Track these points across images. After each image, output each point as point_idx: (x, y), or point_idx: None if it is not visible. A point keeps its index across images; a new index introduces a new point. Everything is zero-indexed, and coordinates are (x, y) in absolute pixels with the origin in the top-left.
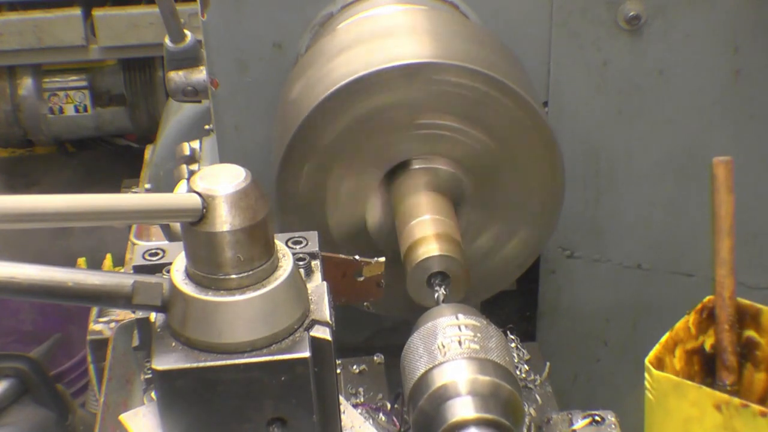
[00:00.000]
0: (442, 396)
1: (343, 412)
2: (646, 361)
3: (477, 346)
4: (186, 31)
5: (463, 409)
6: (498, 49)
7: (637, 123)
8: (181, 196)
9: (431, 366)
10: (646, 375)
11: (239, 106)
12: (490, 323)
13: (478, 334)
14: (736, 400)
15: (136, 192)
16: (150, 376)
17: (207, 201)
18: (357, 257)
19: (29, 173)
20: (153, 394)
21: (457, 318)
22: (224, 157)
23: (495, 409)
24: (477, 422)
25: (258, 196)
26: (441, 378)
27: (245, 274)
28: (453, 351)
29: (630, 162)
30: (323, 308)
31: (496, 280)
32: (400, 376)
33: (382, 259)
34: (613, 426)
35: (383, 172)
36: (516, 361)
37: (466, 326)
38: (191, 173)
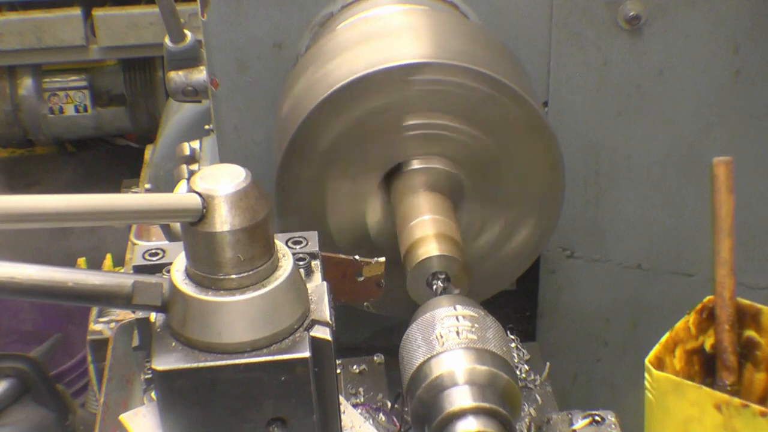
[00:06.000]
0: (440, 385)
1: (343, 412)
2: (646, 361)
3: (474, 336)
4: (186, 31)
5: (460, 398)
6: (498, 49)
7: (637, 123)
8: (181, 196)
9: (429, 356)
10: (646, 375)
11: (239, 106)
12: (488, 314)
13: (476, 325)
14: (736, 400)
15: (136, 192)
16: (150, 376)
17: (207, 201)
18: (357, 257)
19: (29, 173)
20: (153, 394)
21: (455, 309)
22: (224, 157)
23: (492, 398)
24: (474, 411)
25: (258, 196)
26: (439, 368)
27: (245, 274)
28: (451, 341)
29: (630, 162)
30: (323, 308)
31: (496, 280)
32: (400, 376)
33: (382, 259)
34: (613, 426)
35: (383, 172)
36: (516, 361)
37: (463, 317)
38: (191, 173)
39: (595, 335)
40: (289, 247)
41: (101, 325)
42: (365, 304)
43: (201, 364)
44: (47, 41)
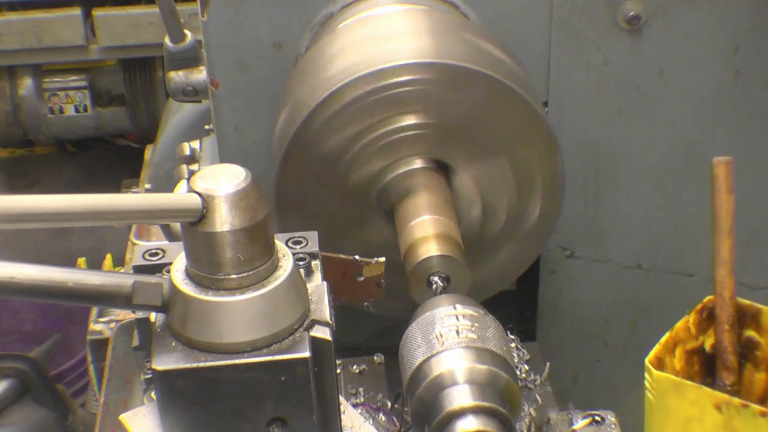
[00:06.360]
0: (440, 384)
1: (343, 412)
2: (646, 361)
3: (474, 336)
4: (186, 31)
5: (460, 397)
6: (498, 49)
7: (637, 123)
8: (181, 196)
9: (429, 355)
10: (646, 375)
11: (239, 106)
12: (488, 313)
13: (476, 324)
14: (736, 400)
15: (136, 192)
16: (150, 376)
17: (207, 201)
18: (357, 257)
19: (29, 173)
20: (153, 394)
21: (454, 308)
22: (224, 157)
23: (492, 397)
24: (474, 410)
25: (258, 196)
26: (439, 367)
27: (245, 274)
28: (450, 340)
29: (630, 162)
30: (323, 308)
31: (496, 280)
32: (400, 376)
33: (382, 259)
34: (613, 426)
35: (383, 172)
36: (516, 361)
37: (463, 316)
38: (191, 173)
39: (595, 335)
40: (289, 247)
41: (101, 325)
42: (365, 304)
43: (201, 364)
44: (47, 41)
